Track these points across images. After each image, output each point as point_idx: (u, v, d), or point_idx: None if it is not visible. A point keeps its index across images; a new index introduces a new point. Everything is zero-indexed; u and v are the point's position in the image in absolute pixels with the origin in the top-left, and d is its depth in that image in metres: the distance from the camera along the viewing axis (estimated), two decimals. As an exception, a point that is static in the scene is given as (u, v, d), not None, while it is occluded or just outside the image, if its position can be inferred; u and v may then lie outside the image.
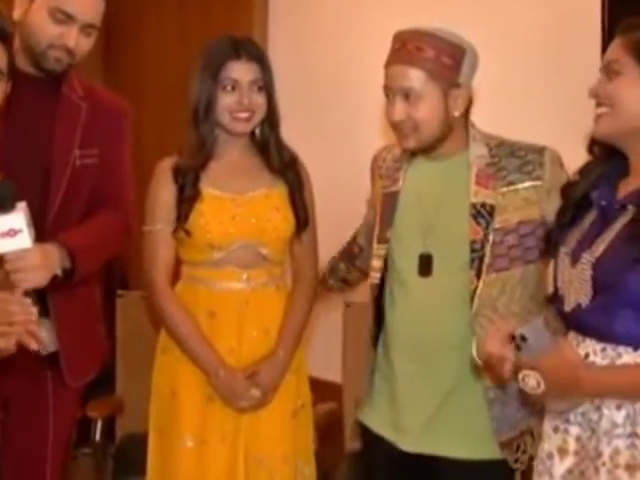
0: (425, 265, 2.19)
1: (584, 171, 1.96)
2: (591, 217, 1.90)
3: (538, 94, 3.00)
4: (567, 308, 1.88)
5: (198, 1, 3.69)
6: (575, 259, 1.86)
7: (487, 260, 2.13)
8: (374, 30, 3.01)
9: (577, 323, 1.87)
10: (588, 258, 1.82)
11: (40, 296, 2.06)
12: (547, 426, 1.93)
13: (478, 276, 2.13)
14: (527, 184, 2.14)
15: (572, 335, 1.89)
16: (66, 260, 2.20)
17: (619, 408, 1.78)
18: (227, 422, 2.46)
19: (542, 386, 1.80)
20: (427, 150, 2.19)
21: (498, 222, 2.13)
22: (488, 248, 2.13)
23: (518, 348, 1.81)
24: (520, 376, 1.83)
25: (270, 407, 2.49)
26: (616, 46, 1.83)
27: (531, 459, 2.19)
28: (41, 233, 2.13)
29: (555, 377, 1.79)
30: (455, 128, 2.18)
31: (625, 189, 1.86)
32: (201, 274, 2.50)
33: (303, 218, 2.53)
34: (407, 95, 2.11)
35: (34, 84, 2.35)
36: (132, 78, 3.59)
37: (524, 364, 1.81)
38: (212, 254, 2.46)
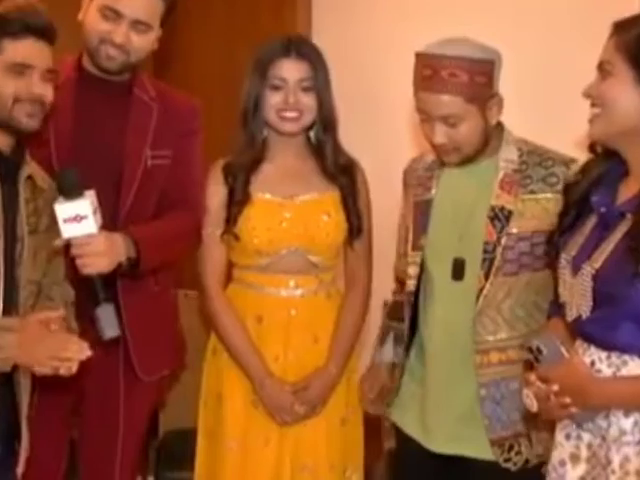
0: (458, 269, 2.22)
1: (585, 170, 1.97)
2: (592, 222, 1.90)
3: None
4: (569, 318, 1.90)
5: (245, 10, 3.68)
6: (576, 268, 1.86)
7: (497, 263, 2.16)
8: (420, 29, 3.00)
9: (580, 332, 1.89)
10: (588, 269, 1.82)
11: (107, 283, 2.12)
12: (559, 434, 1.93)
13: (486, 277, 2.17)
14: (548, 195, 2.17)
15: (578, 342, 1.90)
16: (132, 249, 2.23)
17: (627, 415, 1.79)
18: (271, 427, 2.46)
19: (535, 407, 1.86)
20: (468, 160, 2.22)
21: (513, 227, 2.17)
22: (499, 251, 2.16)
23: (536, 360, 1.86)
24: (523, 393, 1.89)
25: (318, 416, 2.48)
26: (609, 46, 1.82)
27: (527, 462, 2.21)
28: (113, 232, 2.21)
29: (563, 388, 1.80)
30: (492, 134, 2.21)
31: (625, 192, 1.86)
32: (250, 278, 2.50)
33: (356, 225, 2.49)
34: (447, 120, 2.13)
35: (106, 87, 2.40)
36: (179, 80, 3.64)
37: (538, 375, 1.85)
38: (259, 259, 2.45)
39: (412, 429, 2.35)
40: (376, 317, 3.14)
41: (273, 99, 2.41)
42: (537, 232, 2.16)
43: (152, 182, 2.42)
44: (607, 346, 1.81)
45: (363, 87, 3.54)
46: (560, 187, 2.13)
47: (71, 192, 2.00)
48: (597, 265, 1.80)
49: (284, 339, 2.47)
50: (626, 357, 1.79)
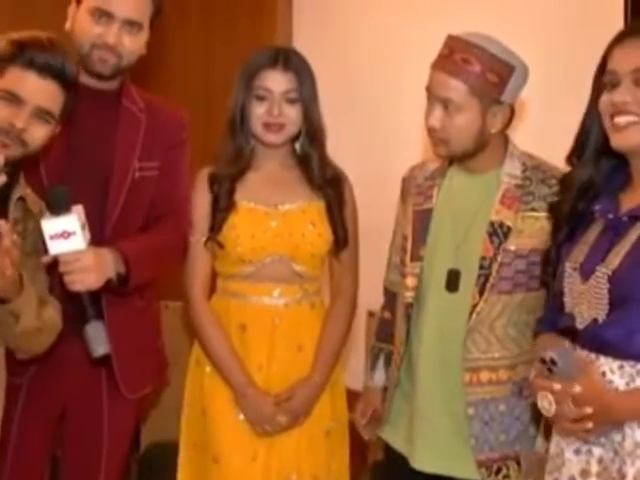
0: (453, 281, 2.18)
1: (569, 184, 1.94)
2: (595, 230, 1.87)
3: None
4: (580, 325, 1.85)
5: (222, 13, 3.70)
6: (586, 274, 1.83)
7: (492, 280, 2.13)
8: (398, 39, 2.99)
9: (592, 340, 1.83)
10: (604, 271, 1.78)
11: (95, 300, 2.10)
12: (566, 450, 1.87)
13: (481, 293, 2.13)
14: (549, 214, 2.12)
15: (583, 353, 1.85)
16: (121, 265, 2.21)
17: None
18: (258, 442, 2.44)
19: (553, 410, 1.80)
20: (458, 160, 2.20)
21: (511, 244, 2.13)
22: (495, 268, 2.13)
23: (550, 371, 1.81)
24: (539, 395, 1.83)
25: (301, 427, 2.46)
26: (637, 53, 1.78)
27: None
28: (100, 244, 2.18)
29: (583, 404, 1.76)
30: (491, 143, 2.17)
31: (630, 199, 1.83)
32: (234, 287, 2.49)
33: (342, 237, 2.49)
34: (446, 105, 2.10)
35: (94, 96, 2.36)
36: (158, 88, 3.61)
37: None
38: (243, 268, 2.44)
39: (399, 445, 2.31)
40: (360, 326, 3.14)
41: (258, 110, 2.41)
42: (534, 251, 2.13)
43: (139, 194, 2.39)
44: (621, 354, 1.77)
45: (343, 94, 3.55)
46: None
47: (58, 208, 1.97)
48: (613, 266, 1.77)
49: (268, 348, 2.46)
50: None
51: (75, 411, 2.44)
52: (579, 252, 1.87)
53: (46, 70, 1.96)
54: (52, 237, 1.96)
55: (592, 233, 1.88)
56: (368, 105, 3.52)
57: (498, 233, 2.14)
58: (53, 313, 2.08)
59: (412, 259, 2.26)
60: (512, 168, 2.18)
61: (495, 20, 3.15)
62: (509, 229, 2.13)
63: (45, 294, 2.08)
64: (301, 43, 3.59)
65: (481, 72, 2.07)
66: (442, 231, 2.22)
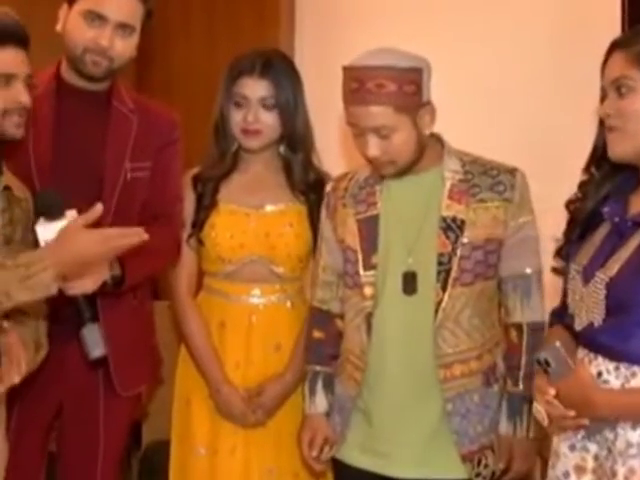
0: (410, 283, 2.19)
1: (588, 187, 1.95)
2: (602, 233, 1.88)
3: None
4: (578, 327, 1.87)
5: (226, 17, 3.70)
6: (587, 277, 1.83)
7: (454, 274, 2.15)
8: (398, 40, 2.97)
9: (589, 342, 1.85)
10: (602, 277, 1.79)
11: (90, 301, 2.12)
12: (562, 445, 1.89)
13: (444, 289, 2.15)
14: (497, 203, 2.18)
15: (583, 352, 1.87)
16: (116, 267, 2.24)
17: (634, 428, 1.76)
18: (236, 434, 2.50)
19: (546, 422, 1.83)
20: (404, 173, 2.21)
21: (467, 237, 2.16)
22: (455, 262, 2.15)
23: (545, 372, 1.84)
24: (534, 409, 1.86)
25: (277, 422, 2.52)
26: (620, 62, 1.80)
27: (492, 475, 2.20)
28: None
29: (569, 398, 1.79)
30: (427, 144, 2.19)
31: (637, 203, 1.84)
32: (216, 285, 2.55)
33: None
34: (379, 132, 2.11)
35: (84, 98, 2.38)
36: (161, 88, 3.62)
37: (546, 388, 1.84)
38: (223, 267, 2.51)
39: (365, 462, 2.25)
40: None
41: (236, 116, 2.48)
42: (489, 240, 2.18)
43: (132, 194, 2.41)
44: (617, 356, 1.78)
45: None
46: (507, 195, 2.18)
47: (52, 212, 1.98)
48: (611, 273, 1.78)
49: (245, 345, 2.51)
50: (635, 368, 1.76)
51: (72, 409, 2.46)
52: (584, 254, 1.89)
53: (18, 40, 1.97)
54: (47, 242, 1.97)
55: (599, 235, 1.89)
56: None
57: (452, 228, 2.16)
58: (44, 352, 2.11)
59: (365, 268, 2.23)
60: (452, 164, 2.21)
61: (493, 31, 3.17)
62: (463, 222, 2.16)
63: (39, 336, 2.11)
64: (304, 43, 3.59)
65: (398, 89, 2.08)
66: (392, 235, 2.22)
